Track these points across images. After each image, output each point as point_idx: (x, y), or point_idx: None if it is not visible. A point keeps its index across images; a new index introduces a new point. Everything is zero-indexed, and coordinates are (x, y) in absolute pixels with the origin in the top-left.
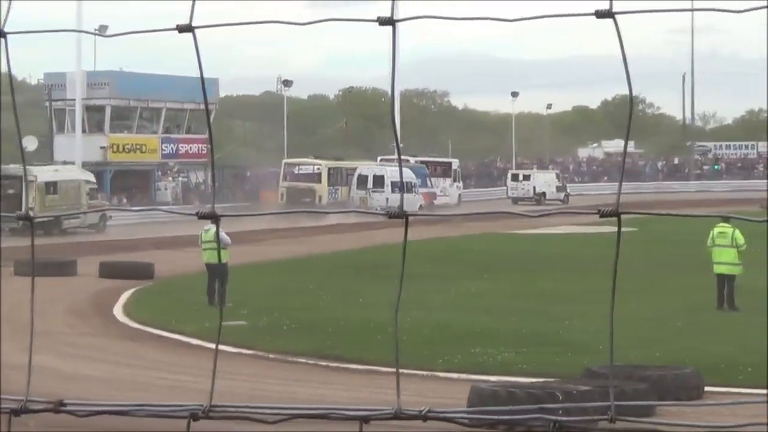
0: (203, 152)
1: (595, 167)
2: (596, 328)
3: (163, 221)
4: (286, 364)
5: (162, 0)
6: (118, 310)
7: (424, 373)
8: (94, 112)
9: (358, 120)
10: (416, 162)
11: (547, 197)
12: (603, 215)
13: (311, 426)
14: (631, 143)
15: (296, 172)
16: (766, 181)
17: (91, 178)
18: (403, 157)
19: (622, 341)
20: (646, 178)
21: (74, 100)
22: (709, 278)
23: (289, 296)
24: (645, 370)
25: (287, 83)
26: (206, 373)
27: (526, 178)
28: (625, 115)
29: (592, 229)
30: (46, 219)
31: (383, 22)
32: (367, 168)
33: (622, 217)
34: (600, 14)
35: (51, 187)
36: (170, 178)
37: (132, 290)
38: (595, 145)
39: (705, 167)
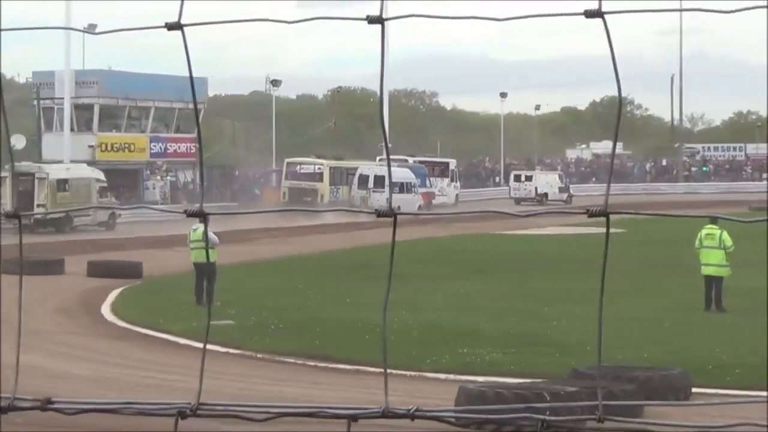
0: (192, 151)
1: (583, 168)
2: (584, 329)
3: (151, 220)
4: (274, 363)
5: (152, 0)
6: (105, 309)
7: (412, 373)
8: (82, 111)
9: (347, 120)
10: (415, 162)
11: (550, 198)
12: (591, 215)
13: (299, 425)
14: (619, 144)
15: (298, 171)
16: (760, 182)
17: (101, 176)
18: (401, 157)
19: (610, 342)
20: (634, 180)
21: (63, 98)
22: (697, 279)
23: (277, 296)
24: (632, 371)
25: (276, 83)
26: (194, 373)
27: (528, 178)
28: (613, 116)
29: (582, 230)
30: (40, 216)
31: (372, 20)
32: (368, 168)
33: (611, 217)
34: (589, 14)
35: (62, 184)
36: (159, 178)
37: (120, 289)
38: (583, 146)
39: (693, 169)
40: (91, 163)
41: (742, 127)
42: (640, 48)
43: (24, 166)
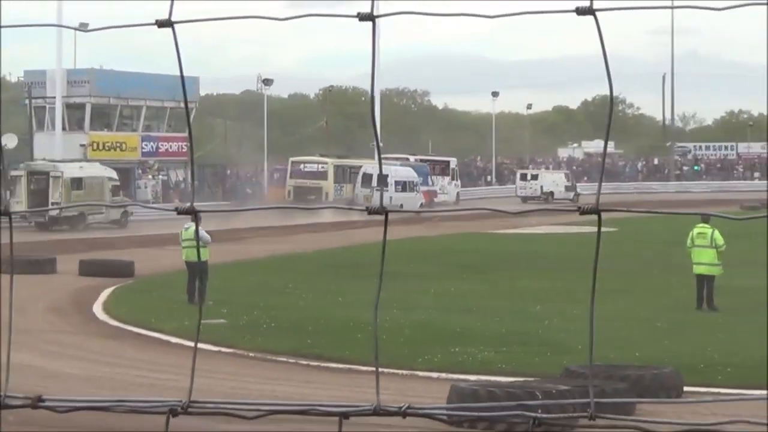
0: (183, 150)
1: (575, 167)
2: (576, 328)
3: (143, 219)
4: (266, 362)
5: (143, 0)
6: (97, 308)
7: (404, 372)
8: (74, 110)
9: (339, 119)
10: (416, 160)
11: (556, 196)
12: (583, 213)
13: (292, 423)
14: (611, 143)
15: (302, 169)
16: (751, 181)
17: (114, 174)
18: (402, 155)
19: (602, 341)
20: (625, 179)
21: (54, 97)
22: (688, 278)
23: (269, 295)
24: (624, 369)
25: (267, 82)
26: (185, 372)
27: (534, 177)
28: (605, 115)
29: (574, 228)
30: (29, 213)
31: (363, 17)
32: (372, 167)
33: (603, 216)
34: (581, 11)
35: (77, 183)
36: (150, 177)
37: (112, 288)
38: (575, 145)
39: (685, 168)
40: (83, 162)
41: (733, 127)
42: (632, 47)
43: (39, 164)
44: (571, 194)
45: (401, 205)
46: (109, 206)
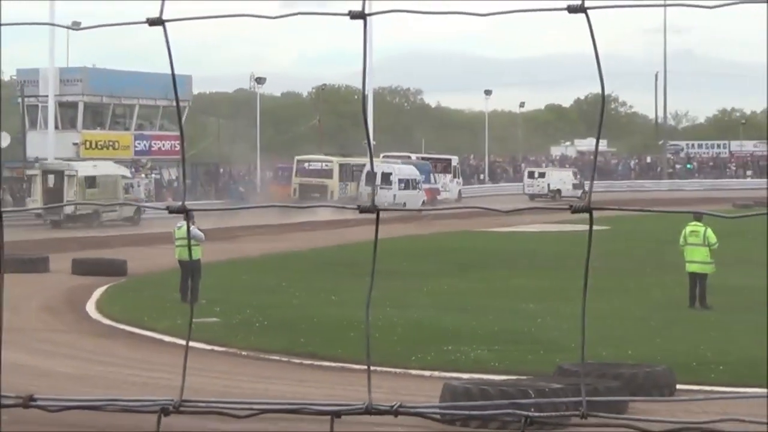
0: (176, 149)
1: (567, 166)
2: (569, 326)
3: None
4: (259, 361)
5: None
6: (90, 307)
7: (397, 370)
8: (67, 109)
9: (332, 117)
10: (417, 159)
11: (563, 194)
12: (575, 211)
13: (285, 422)
14: (603, 142)
15: (308, 168)
16: (744, 179)
17: (127, 173)
18: (404, 154)
19: (595, 339)
20: (618, 177)
21: (47, 96)
22: (681, 276)
23: (263, 293)
24: (617, 367)
25: (260, 80)
26: (179, 371)
27: (542, 175)
28: (597, 113)
29: (567, 227)
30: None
31: (354, 15)
32: (376, 165)
33: (595, 215)
34: (572, 9)
35: (91, 181)
36: (143, 175)
37: (105, 287)
38: (567, 143)
39: (677, 166)
40: (76, 161)
41: (726, 125)
42: (624, 46)
43: (53, 164)
44: (579, 192)
45: (404, 203)
46: (101, 205)
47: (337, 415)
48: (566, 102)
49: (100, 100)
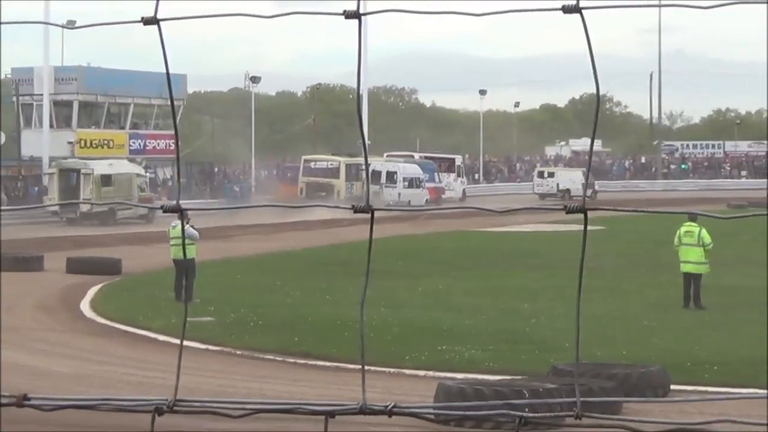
0: (171, 148)
1: (562, 166)
2: (563, 326)
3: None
4: (253, 360)
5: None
6: (85, 306)
7: (391, 370)
8: (61, 107)
9: (326, 117)
10: (421, 158)
11: (572, 194)
12: (569, 211)
13: (280, 422)
14: (598, 142)
15: (315, 167)
16: (738, 180)
17: (142, 171)
18: (407, 153)
19: (589, 339)
20: (613, 177)
21: (42, 95)
22: (676, 277)
23: (257, 293)
24: (611, 368)
25: (255, 80)
26: (173, 369)
27: (551, 175)
28: (592, 113)
29: (562, 227)
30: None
31: (349, 15)
32: (381, 164)
33: (590, 215)
34: (567, 9)
35: (106, 180)
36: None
37: (99, 286)
38: (562, 143)
39: (672, 166)
40: (70, 159)
41: (720, 125)
42: (619, 46)
43: (70, 162)
44: (589, 191)
45: (409, 201)
46: (93, 204)
47: (331, 415)
48: (561, 102)
49: (94, 98)
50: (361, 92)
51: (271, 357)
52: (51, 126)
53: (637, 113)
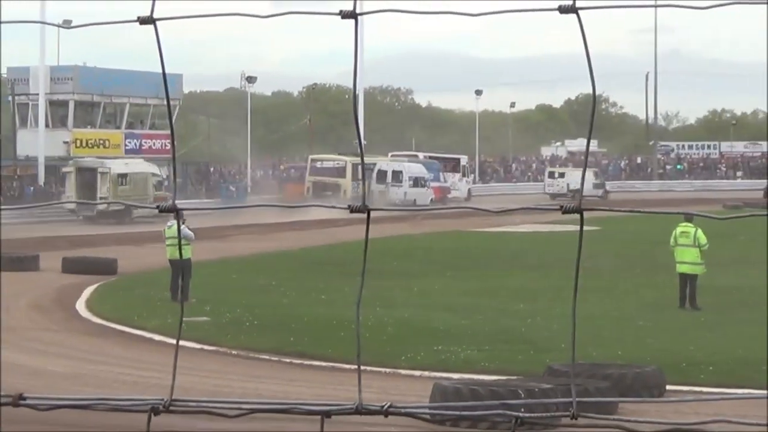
0: (167, 148)
1: (558, 166)
2: (559, 326)
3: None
4: (249, 360)
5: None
6: (81, 306)
7: (387, 370)
8: (57, 107)
9: (322, 117)
10: (425, 158)
11: (583, 194)
12: (565, 212)
13: (273, 422)
14: (594, 142)
15: (321, 166)
16: (734, 180)
17: (157, 170)
18: (411, 153)
19: (585, 339)
20: (608, 177)
21: (37, 94)
22: (671, 277)
23: (253, 293)
24: (607, 368)
25: (251, 79)
26: (169, 369)
27: (561, 175)
28: (588, 114)
29: (558, 227)
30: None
31: (346, 15)
32: (387, 164)
33: (585, 215)
34: (563, 10)
35: (122, 178)
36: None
37: (95, 286)
38: (558, 144)
39: (668, 167)
40: (66, 159)
41: (716, 126)
42: (615, 46)
43: (87, 161)
44: (600, 191)
45: (414, 200)
46: (86, 203)
47: (327, 415)
48: (557, 102)
49: (90, 98)
50: (357, 92)
51: (267, 357)
52: (47, 125)
53: (633, 113)
